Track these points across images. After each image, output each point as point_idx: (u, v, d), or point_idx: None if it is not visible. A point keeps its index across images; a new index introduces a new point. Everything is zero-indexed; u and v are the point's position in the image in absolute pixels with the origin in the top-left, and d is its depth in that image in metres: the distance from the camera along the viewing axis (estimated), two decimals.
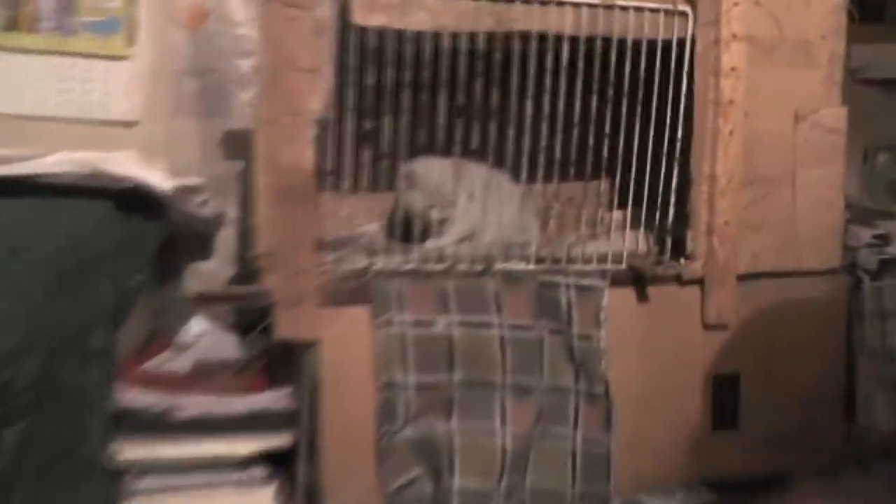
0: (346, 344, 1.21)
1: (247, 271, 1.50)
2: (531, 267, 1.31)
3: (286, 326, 1.19)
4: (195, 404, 1.28)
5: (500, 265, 1.30)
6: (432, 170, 1.38)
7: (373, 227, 1.62)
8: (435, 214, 1.38)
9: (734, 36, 1.30)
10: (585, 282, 1.30)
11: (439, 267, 1.28)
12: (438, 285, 1.24)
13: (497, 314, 1.25)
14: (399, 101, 1.26)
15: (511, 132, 1.30)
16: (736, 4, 1.30)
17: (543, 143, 1.31)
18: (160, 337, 1.57)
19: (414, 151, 1.32)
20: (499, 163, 1.37)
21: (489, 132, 1.31)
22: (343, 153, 1.27)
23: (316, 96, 1.18)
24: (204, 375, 1.41)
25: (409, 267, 1.28)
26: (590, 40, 1.26)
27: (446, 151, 1.33)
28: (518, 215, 1.40)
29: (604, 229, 1.46)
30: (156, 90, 1.72)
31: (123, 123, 1.69)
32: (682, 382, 1.34)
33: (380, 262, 1.28)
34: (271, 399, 1.32)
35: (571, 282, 1.29)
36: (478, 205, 1.38)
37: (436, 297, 1.24)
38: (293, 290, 1.18)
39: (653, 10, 1.27)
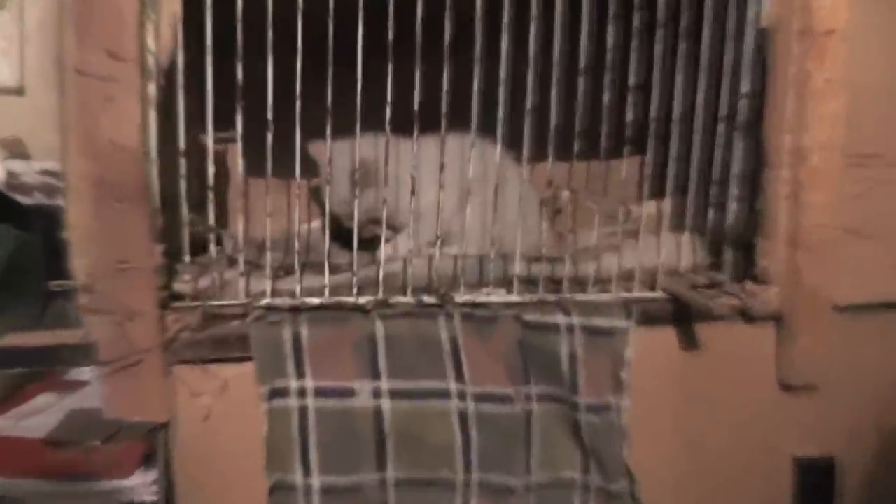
0: (215, 426, 0.91)
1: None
2: (513, 297, 0.97)
3: (115, 400, 0.87)
4: (28, 492, 1.06)
5: (462, 296, 0.95)
6: (342, 151, 0.98)
7: (315, 226, 1.32)
8: (346, 223, 1.02)
9: None
10: (599, 321, 0.98)
11: (364, 301, 0.92)
12: (360, 331, 0.92)
13: (455, 377, 0.93)
14: (290, 38, 0.88)
15: (475, 86, 0.93)
16: None
17: (529, 103, 0.96)
18: (47, 373, 1.41)
19: (317, 118, 0.91)
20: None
21: (440, 87, 0.91)
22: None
23: (152, 29, 0.82)
24: (65, 440, 1.15)
25: (313, 301, 0.91)
26: None
27: (371, 118, 0.94)
28: (516, 216, 1.02)
29: (629, 232, 1.13)
30: (45, 48, 1.56)
31: (5, 91, 1.55)
32: (750, 469, 1.09)
33: (268, 293, 0.90)
34: (139, 484, 1.06)
35: (577, 322, 0.97)
36: (432, 200, 0.99)
37: (357, 351, 0.92)
38: (125, 342, 0.85)
39: None
